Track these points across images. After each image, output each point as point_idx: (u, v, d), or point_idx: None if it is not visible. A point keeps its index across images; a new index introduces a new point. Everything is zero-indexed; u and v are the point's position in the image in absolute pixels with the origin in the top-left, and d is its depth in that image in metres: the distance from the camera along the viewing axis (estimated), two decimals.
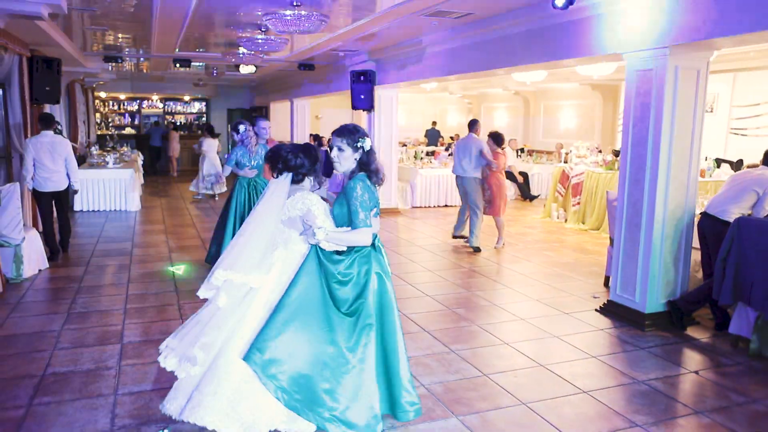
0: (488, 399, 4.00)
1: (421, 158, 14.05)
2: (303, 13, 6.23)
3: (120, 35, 9.87)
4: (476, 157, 8.56)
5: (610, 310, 5.84)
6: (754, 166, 5.80)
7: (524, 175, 14.18)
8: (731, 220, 5.03)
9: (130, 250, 8.28)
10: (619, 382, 4.35)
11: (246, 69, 12.35)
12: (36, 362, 4.45)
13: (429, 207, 12.78)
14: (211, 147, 14.13)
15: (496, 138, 8.71)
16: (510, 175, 14.11)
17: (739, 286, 4.91)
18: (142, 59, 13.34)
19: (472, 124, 8.96)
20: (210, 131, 14.95)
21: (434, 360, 4.63)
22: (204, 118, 22.63)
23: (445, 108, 21.36)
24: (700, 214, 5.53)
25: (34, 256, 6.95)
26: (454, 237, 9.20)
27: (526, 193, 13.97)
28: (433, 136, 19.38)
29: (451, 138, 18.81)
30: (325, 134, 17.72)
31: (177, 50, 11.08)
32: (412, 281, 6.95)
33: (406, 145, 16.98)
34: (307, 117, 17.99)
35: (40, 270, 7.06)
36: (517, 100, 18.19)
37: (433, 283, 6.96)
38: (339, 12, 7.44)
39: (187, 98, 22.36)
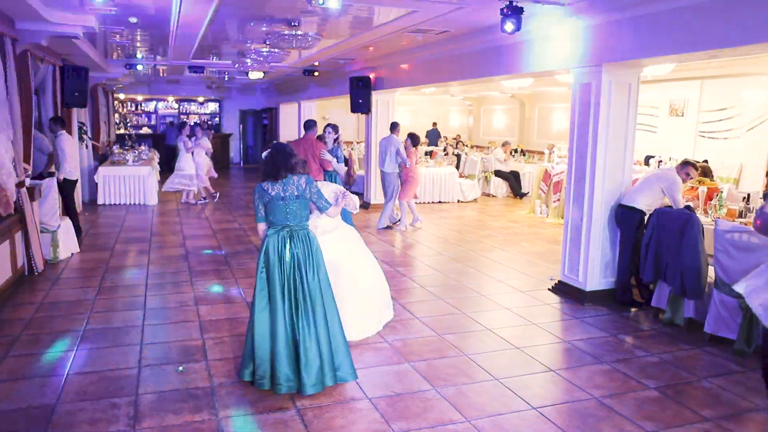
0: (437, 352, 4.99)
1: (419, 158, 15.00)
2: (299, 33, 7.24)
3: (140, 46, 10.94)
4: (394, 155, 9.87)
5: (559, 289, 6.80)
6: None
7: (515, 174, 15.11)
8: (638, 206, 6.01)
9: (149, 238, 9.36)
10: (548, 341, 5.33)
11: (255, 75, 13.39)
12: (77, 321, 5.52)
13: (424, 203, 13.74)
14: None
15: (413, 138, 10.11)
16: (501, 174, 15.11)
17: (658, 266, 5.87)
18: (159, 65, 14.43)
19: (393, 127, 10.41)
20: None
21: (400, 324, 5.62)
22: (217, 119, 23.77)
23: (447, 109, 22.30)
24: (618, 205, 6.41)
25: (67, 241, 8.03)
26: (393, 225, 10.55)
27: (516, 191, 14.90)
28: (433, 136, 20.32)
29: (454, 139, 19.72)
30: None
31: (191, 58, 12.15)
32: (397, 266, 7.95)
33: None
34: (314, 118, 19.01)
35: (72, 253, 8.13)
36: (514, 102, 19.10)
37: (413, 267, 7.96)
38: (339, 27, 8.43)
39: (201, 99, 23.50)
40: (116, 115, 21.46)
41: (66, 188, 8.70)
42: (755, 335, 4.94)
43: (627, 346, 5.24)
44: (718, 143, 11.27)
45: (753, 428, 3.90)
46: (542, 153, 16.49)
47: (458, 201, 13.96)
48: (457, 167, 15.11)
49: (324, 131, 8.51)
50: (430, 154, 16.02)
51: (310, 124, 8.57)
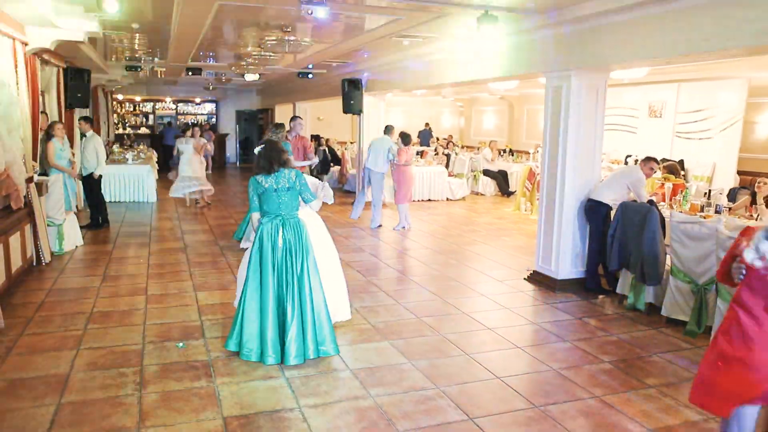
0: (415, 332, 5.47)
1: None
2: (292, 38, 7.73)
3: (140, 50, 11.40)
4: (386, 156, 10.35)
5: (534, 278, 7.28)
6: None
7: (503, 173, 15.60)
8: (605, 201, 6.51)
9: (149, 233, 9.82)
10: (518, 323, 5.82)
11: (250, 76, 13.87)
12: (85, 305, 5.98)
13: (414, 201, 14.20)
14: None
15: (405, 138, 10.50)
16: (489, 173, 15.60)
17: (621, 256, 6.36)
18: (158, 68, 14.88)
19: (388, 130, 10.86)
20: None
21: (383, 309, 6.10)
22: (214, 119, 24.23)
23: (440, 110, 22.81)
24: (587, 200, 6.90)
25: (72, 234, 8.48)
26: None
27: (504, 190, 15.39)
28: (425, 136, 20.79)
29: (445, 139, 20.20)
30: (326, 135, 19.29)
31: (189, 61, 12.61)
32: (385, 259, 8.43)
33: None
34: (309, 118, 19.49)
35: (76, 246, 8.59)
36: (503, 104, 19.61)
37: (399, 259, 8.44)
38: (330, 32, 8.89)
39: (198, 100, 23.96)
40: (115, 116, 21.90)
41: (99, 184, 9.78)
42: (705, 317, 5.43)
43: (590, 327, 5.73)
44: (693, 143, 11.80)
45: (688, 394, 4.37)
46: (530, 153, 17.01)
47: (447, 199, 14.45)
48: (447, 166, 15.60)
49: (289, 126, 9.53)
50: (420, 153, 16.50)
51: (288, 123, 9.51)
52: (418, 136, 20.90)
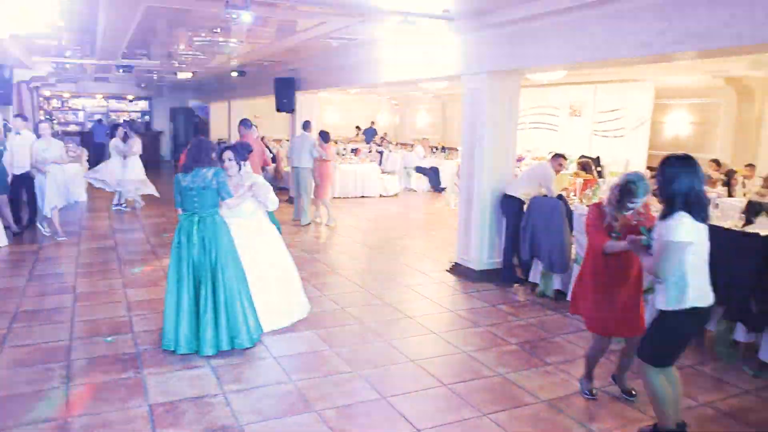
0: (338, 322, 5.78)
1: (343, 155, 15.77)
2: (221, 39, 7.87)
3: (66, 46, 11.22)
4: (309, 152, 10.55)
5: (455, 270, 7.70)
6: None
7: (435, 170, 16.09)
8: (518, 195, 6.98)
9: (78, 232, 9.73)
10: (436, 311, 6.21)
11: (183, 75, 13.83)
12: (10, 304, 6.00)
13: (347, 198, 14.50)
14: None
15: (324, 135, 10.75)
16: (421, 170, 16.07)
17: (533, 246, 6.84)
18: (86, 63, 14.59)
19: (306, 125, 10.96)
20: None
21: (309, 300, 6.37)
22: (147, 117, 23.80)
23: (376, 108, 23.19)
24: (502, 195, 7.36)
25: None
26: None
27: (435, 186, 15.88)
28: (370, 134, 21.05)
29: (380, 137, 20.53)
30: (263, 132, 19.28)
31: (120, 58, 12.46)
32: (314, 253, 8.68)
33: (337, 143, 18.66)
34: (245, 116, 19.42)
35: (0, 246, 8.46)
36: (437, 102, 20.17)
37: (327, 253, 8.73)
38: (262, 33, 9.05)
39: (130, 97, 23.47)
40: (41, 112, 21.22)
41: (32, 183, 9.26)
42: None
43: (502, 313, 6.17)
44: (609, 141, 12.57)
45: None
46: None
47: (380, 196, 14.80)
48: (381, 164, 15.97)
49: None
50: (355, 151, 16.80)
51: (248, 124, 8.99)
52: (363, 133, 21.17)
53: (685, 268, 3.29)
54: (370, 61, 9.97)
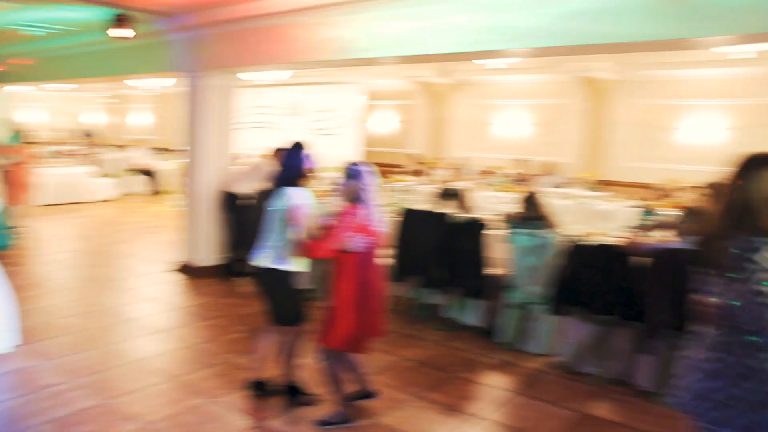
0: (55, 333, 5.34)
1: (50, 158, 14.20)
2: None
3: None
4: None
5: (182, 269, 7.61)
6: None
7: (153, 172, 15.36)
8: (235, 191, 7.22)
9: None
10: (164, 310, 6.15)
11: None
12: None
13: (57, 205, 13.06)
14: None
15: (17, 135, 9.65)
16: (139, 171, 15.30)
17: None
18: None
19: None
20: None
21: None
22: None
23: (92, 107, 21.30)
24: (220, 192, 7.54)
25: None
26: None
27: (154, 188, 15.20)
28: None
29: (90, 138, 18.82)
30: None
31: None
32: (15, 264, 7.77)
33: (41, 144, 16.66)
34: None
35: None
36: (161, 101, 19.29)
37: (39, 264, 7.92)
38: None
39: None
40: None
41: None
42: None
43: (228, 305, 6.34)
44: (326, 139, 13.51)
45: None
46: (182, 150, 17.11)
47: (95, 201, 13.67)
48: (95, 166, 14.75)
49: None
50: (69, 153, 15.22)
51: None
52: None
53: None
54: (81, 56, 9.24)
